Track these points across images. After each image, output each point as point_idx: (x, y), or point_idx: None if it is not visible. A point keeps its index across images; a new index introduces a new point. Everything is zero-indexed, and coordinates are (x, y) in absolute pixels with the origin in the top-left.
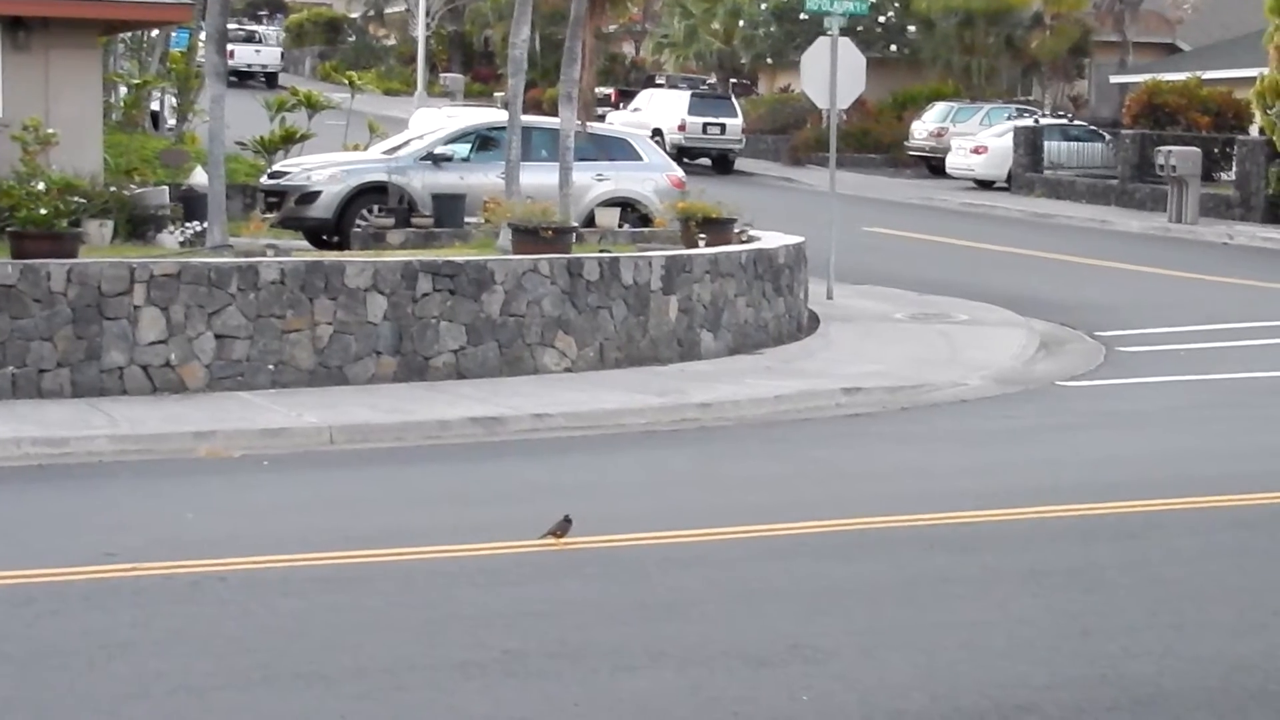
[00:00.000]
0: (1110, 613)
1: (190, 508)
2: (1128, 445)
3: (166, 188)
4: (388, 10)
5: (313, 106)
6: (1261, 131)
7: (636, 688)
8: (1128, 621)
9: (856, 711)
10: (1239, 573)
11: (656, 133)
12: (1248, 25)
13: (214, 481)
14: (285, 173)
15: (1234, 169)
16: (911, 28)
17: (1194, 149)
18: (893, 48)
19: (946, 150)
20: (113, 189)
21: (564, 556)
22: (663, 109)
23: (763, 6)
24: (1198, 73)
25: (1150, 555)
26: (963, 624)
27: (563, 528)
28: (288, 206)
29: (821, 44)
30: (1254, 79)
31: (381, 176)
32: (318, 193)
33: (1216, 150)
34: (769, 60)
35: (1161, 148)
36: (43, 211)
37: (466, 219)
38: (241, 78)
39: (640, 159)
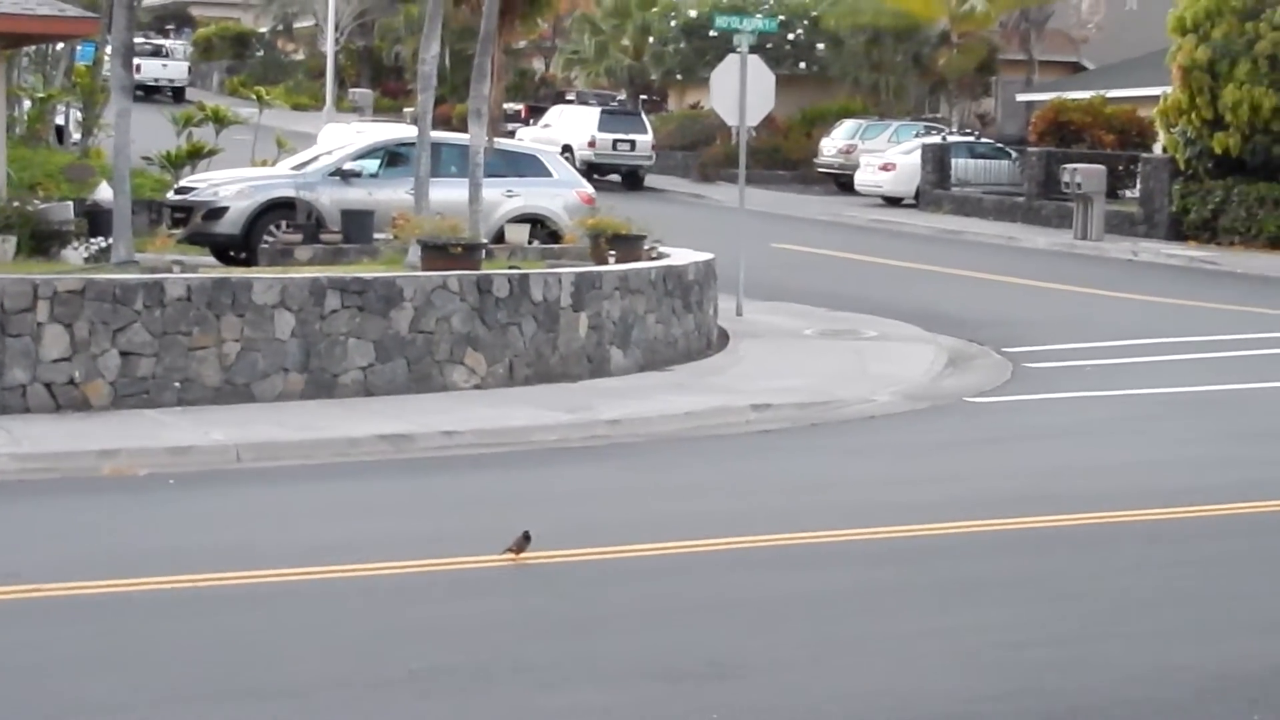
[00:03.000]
0: (1031, 627)
1: (95, 527)
2: (1035, 460)
3: (71, 203)
4: (296, 25)
5: (220, 121)
6: (1165, 149)
7: (556, 705)
8: (1056, 633)
9: None
10: (1205, 582)
11: (566, 149)
12: (1151, 44)
13: (119, 500)
14: (192, 188)
15: (1138, 186)
16: (820, 45)
17: (1099, 166)
18: (802, 65)
19: (855, 167)
20: (16, 204)
21: (477, 573)
22: (573, 125)
23: (672, 23)
24: (1102, 91)
25: (1080, 569)
26: (883, 637)
27: (521, 544)
28: (194, 222)
29: (731, 61)
30: (1158, 97)
31: (289, 192)
32: (225, 208)
33: (1121, 168)
34: (679, 77)
35: (1067, 165)
36: None
37: (375, 235)
38: (148, 92)
39: (550, 175)
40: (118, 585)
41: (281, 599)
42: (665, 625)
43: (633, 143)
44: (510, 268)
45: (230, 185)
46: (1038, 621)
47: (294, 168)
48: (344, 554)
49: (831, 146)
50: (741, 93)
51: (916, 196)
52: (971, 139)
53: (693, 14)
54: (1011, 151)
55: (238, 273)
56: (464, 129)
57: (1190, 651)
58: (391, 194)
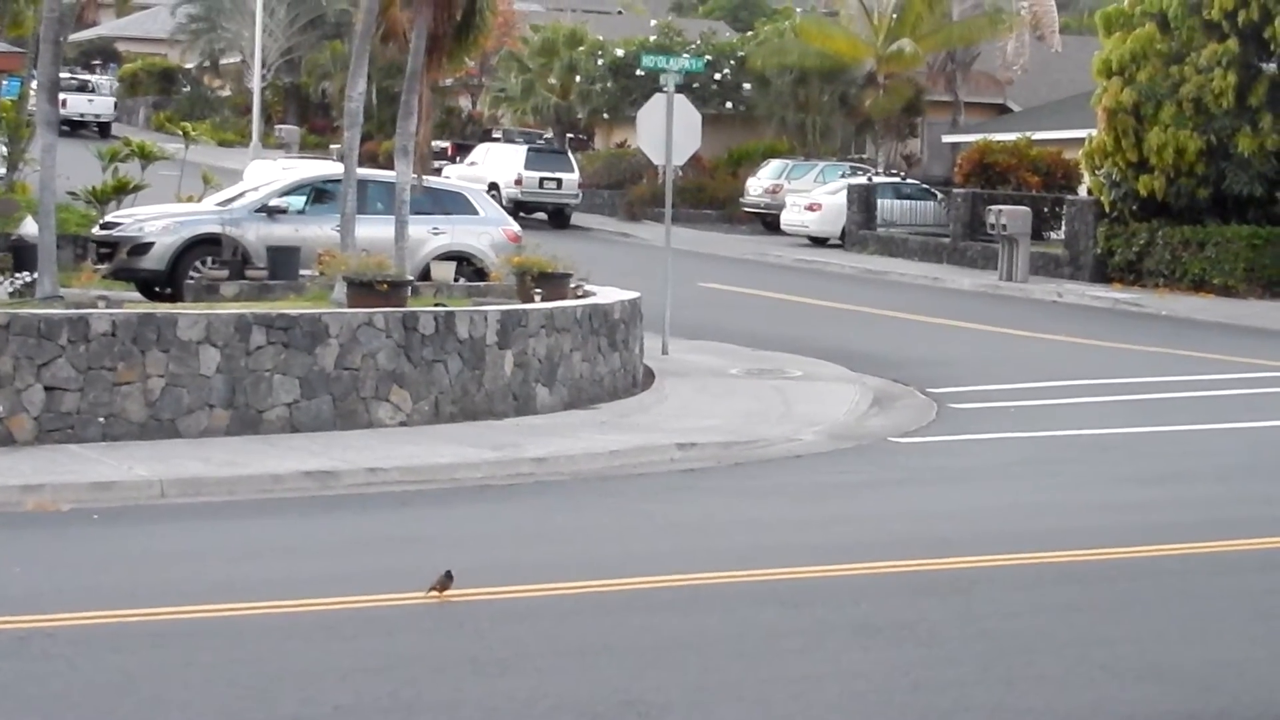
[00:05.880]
0: (941, 666)
1: (17, 562)
2: (958, 501)
3: None
4: (223, 61)
5: (146, 157)
6: (1090, 191)
7: None
8: (958, 675)
9: None
10: (1068, 627)
11: (493, 187)
12: (1076, 87)
13: (42, 535)
14: (118, 223)
15: (1063, 228)
16: (747, 85)
17: (1024, 208)
18: (728, 105)
19: (781, 207)
20: None
21: (398, 611)
22: (499, 163)
23: (599, 62)
24: (1028, 133)
25: (980, 610)
26: (795, 678)
27: (443, 583)
28: (120, 258)
29: (657, 100)
30: (1083, 139)
31: (215, 228)
32: (150, 244)
33: (1046, 209)
34: (605, 115)
35: (992, 206)
36: None
37: (301, 272)
38: (74, 127)
39: (476, 213)
40: (38, 621)
41: (198, 637)
42: (583, 665)
43: (559, 181)
44: (436, 305)
45: (156, 221)
46: (927, 663)
47: (220, 204)
48: (262, 591)
49: (757, 186)
50: (668, 132)
51: (842, 237)
52: (897, 180)
53: (620, 53)
54: (937, 193)
55: (163, 308)
56: (391, 166)
57: (1096, 694)
58: (318, 230)
